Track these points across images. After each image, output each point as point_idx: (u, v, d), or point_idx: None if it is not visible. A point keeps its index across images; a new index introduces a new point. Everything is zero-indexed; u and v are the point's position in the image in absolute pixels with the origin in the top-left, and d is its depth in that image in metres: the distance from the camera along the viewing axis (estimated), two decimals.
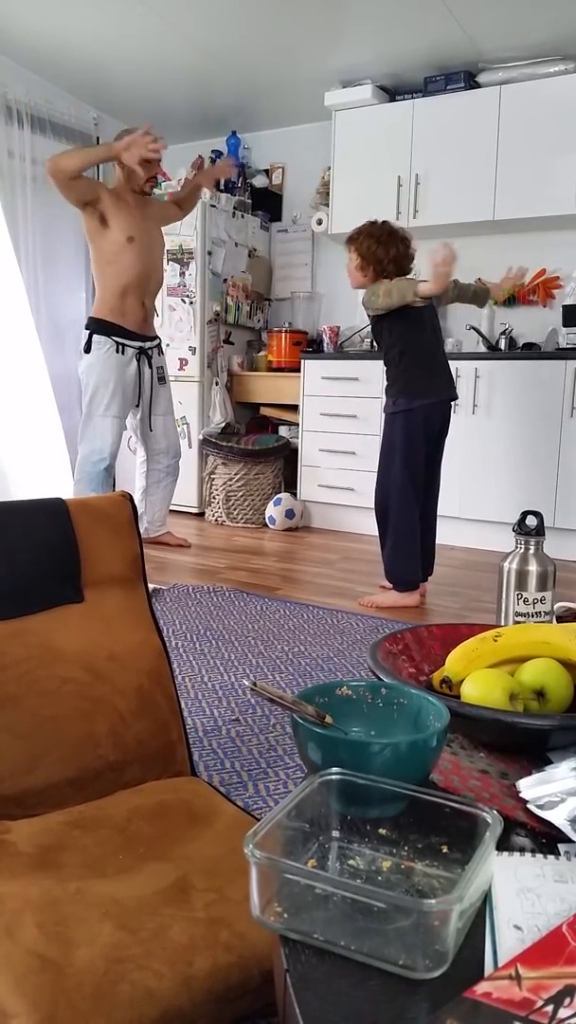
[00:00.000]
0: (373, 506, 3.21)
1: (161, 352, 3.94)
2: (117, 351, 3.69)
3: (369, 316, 3.15)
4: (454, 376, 4.18)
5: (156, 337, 3.91)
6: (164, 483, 4.05)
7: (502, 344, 4.46)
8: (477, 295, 3.34)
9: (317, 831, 0.66)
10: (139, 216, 3.70)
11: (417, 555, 3.15)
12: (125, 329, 3.71)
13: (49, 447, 4.76)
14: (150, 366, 3.82)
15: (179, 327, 4.88)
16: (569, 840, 0.67)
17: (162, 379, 3.92)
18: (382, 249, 2.99)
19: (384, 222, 3.10)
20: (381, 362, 4.30)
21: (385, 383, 3.20)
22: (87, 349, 3.72)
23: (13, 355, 4.56)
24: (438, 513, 3.28)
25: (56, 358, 4.80)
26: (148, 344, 3.81)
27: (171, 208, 4.00)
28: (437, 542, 3.32)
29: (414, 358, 3.08)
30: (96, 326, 3.71)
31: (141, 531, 4.44)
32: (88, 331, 3.72)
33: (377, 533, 3.24)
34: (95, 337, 3.70)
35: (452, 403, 3.17)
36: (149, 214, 3.77)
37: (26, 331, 4.62)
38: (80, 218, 3.68)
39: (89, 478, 3.70)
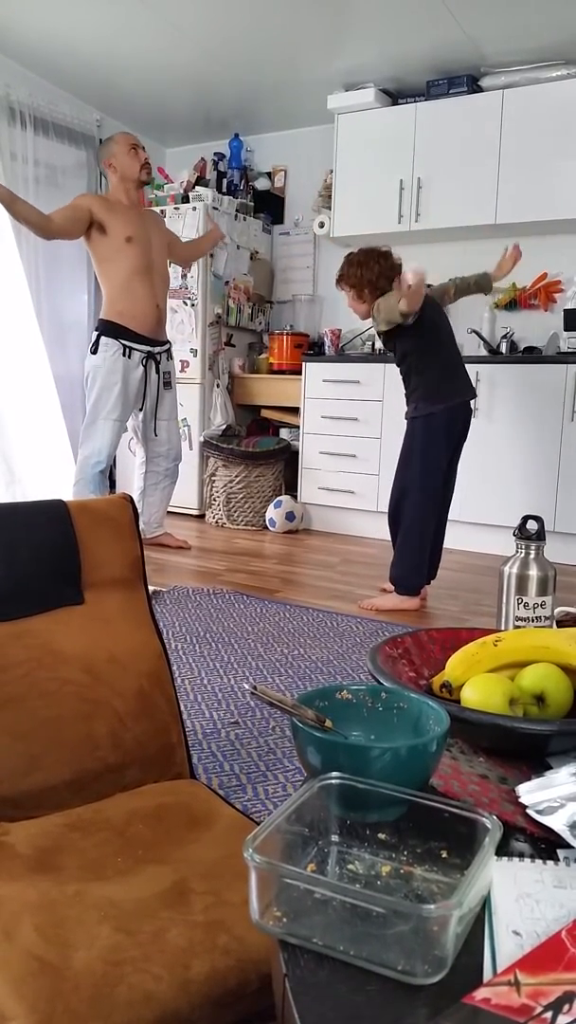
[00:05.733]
0: (387, 509, 3.21)
1: (170, 357, 3.93)
2: (124, 354, 3.68)
3: (380, 334, 3.16)
4: None
5: (166, 341, 3.90)
6: (162, 485, 4.05)
7: (503, 348, 4.46)
8: (479, 285, 3.36)
9: (316, 835, 0.66)
10: (136, 218, 3.71)
11: (424, 563, 3.16)
12: (134, 332, 3.70)
13: (54, 448, 4.76)
14: (157, 371, 3.82)
15: (180, 329, 4.89)
16: (568, 846, 0.67)
17: (168, 384, 3.91)
18: (365, 270, 3.07)
19: (357, 249, 3.17)
20: (382, 365, 4.37)
21: (404, 391, 3.20)
22: (94, 350, 3.71)
23: (17, 356, 4.56)
24: None
25: (59, 359, 4.80)
26: (157, 348, 3.81)
27: (172, 235, 4.00)
28: None
29: (430, 364, 3.09)
30: (104, 328, 3.70)
31: None
32: (96, 332, 3.72)
33: (387, 536, 3.26)
34: (103, 339, 3.68)
35: (472, 403, 3.16)
36: (147, 222, 3.79)
37: (30, 332, 4.61)
38: None
39: (86, 480, 3.72)
